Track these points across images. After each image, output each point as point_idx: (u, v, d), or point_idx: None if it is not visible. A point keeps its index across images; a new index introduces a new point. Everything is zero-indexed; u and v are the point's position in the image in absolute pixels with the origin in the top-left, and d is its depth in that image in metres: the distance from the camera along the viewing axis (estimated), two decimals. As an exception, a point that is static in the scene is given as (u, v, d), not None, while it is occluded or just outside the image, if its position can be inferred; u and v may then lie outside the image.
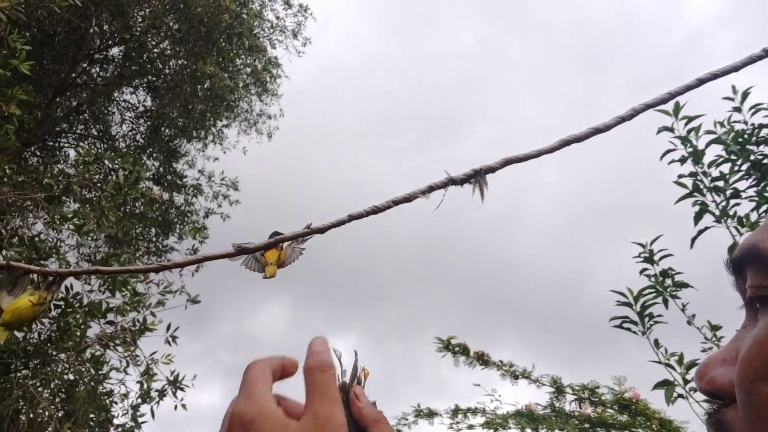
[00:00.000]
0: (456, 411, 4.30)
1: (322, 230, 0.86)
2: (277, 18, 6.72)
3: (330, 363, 0.54)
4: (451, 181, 0.79)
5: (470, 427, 4.42)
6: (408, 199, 0.81)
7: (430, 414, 4.28)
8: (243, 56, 6.43)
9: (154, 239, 6.00)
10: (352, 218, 0.82)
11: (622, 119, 0.78)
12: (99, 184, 5.45)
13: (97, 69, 6.55)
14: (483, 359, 4.53)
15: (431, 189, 0.80)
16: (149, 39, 5.93)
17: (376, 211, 0.81)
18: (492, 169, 0.79)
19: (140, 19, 5.72)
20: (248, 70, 6.61)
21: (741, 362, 0.37)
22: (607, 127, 0.78)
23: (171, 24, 5.80)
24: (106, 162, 5.94)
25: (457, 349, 4.50)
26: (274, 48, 6.79)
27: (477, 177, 0.78)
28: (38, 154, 6.43)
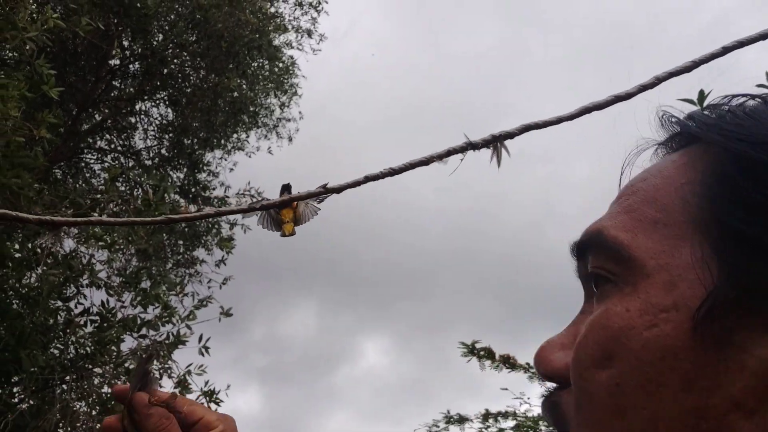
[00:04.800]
0: (486, 416, 4.34)
1: (338, 190, 0.85)
2: (289, 18, 6.73)
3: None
4: (470, 146, 0.78)
5: (501, 430, 4.46)
6: (425, 162, 0.79)
7: (461, 420, 4.34)
8: (261, 63, 6.48)
9: (182, 251, 6.12)
10: (368, 179, 0.81)
11: (644, 87, 0.76)
12: (127, 199, 5.56)
13: (119, 84, 6.66)
14: (509, 363, 4.55)
15: (449, 153, 0.79)
16: (169, 54, 6.01)
17: (392, 173, 0.80)
18: (510, 135, 0.77)
19: (161, 37, 5.80)
20: (266, 74, 6.64)
21: (576, 348, 0.39)
22: (628, 95, 0.76)
23: (191, 40, 5.87)
24: (131, 176, 6.06)
25: (482, 353, 4.52)
26: (291, 48, 6.82)
27: (495, 142, 0.77)
28: (65, 171, 6.56)
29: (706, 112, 0.41)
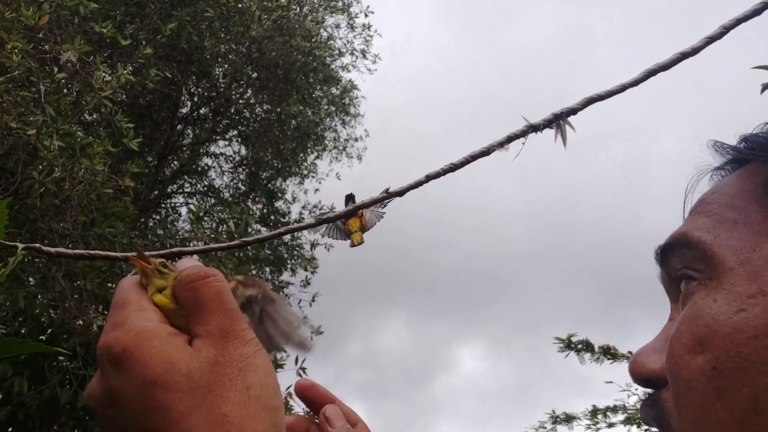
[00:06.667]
0: (594, 412, 4.17)
1: (400, 193, 0.83)
2: (347, 42, 6.89)
3: (210, 272, 0.42)
4: (531, 128, 0.74)
5: (610, 425, 4.28)
6: (485, 152, 0.76)
7: (568, 419, 4.18)
8: (320, 87, 6.66)
9: (270, 277, 6.32)
10: (429, 178, 0.79)
11: (711, 39, 0.70)
12: (213, 235, 5.81)
13: (192, 129, 7.02)
14: (610, 353, 4.36)
15: (510, 139, 0.75)
16: (233, 92, 6.27)
17: (453, 168, 0.77)
18: (573, 111, 0.73)
19: (222, 76, 6.07)
20: (326, 99, 6.82)
21: (671, 341, 0.41)
22: (694, 50, 0.70)
23: (250, 74, 6.11)
24: (214, 214, 6.35)
25: (579, 346, 4.36)
26: (348, 71, 6.98)
27: (558, 121, 0.73)
28: (153, 217, 6.95)
29: (757, 132, 0.45)
